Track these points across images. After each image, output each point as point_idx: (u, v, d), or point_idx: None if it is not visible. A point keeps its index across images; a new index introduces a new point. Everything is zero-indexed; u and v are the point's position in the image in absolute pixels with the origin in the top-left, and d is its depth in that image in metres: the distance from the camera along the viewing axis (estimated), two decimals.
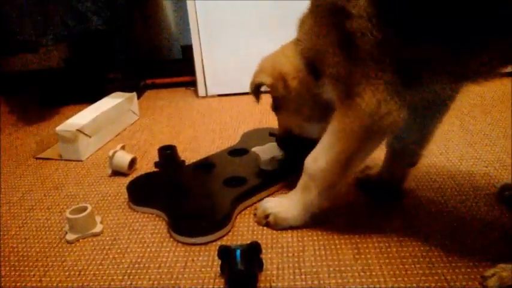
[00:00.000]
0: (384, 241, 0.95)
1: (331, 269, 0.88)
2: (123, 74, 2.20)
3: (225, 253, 0.84)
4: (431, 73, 0.84)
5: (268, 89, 1.13)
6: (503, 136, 1.40)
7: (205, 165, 1.27)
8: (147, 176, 1.25)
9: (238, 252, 0.83)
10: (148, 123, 1.82)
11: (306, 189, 0.99)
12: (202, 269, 0.91)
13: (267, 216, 1.03)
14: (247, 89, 2.21)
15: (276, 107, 1.16)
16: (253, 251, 0.85)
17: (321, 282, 0.85)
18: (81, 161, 1.48)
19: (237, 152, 1.34)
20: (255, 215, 1.06)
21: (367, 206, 1.09)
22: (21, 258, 1.00)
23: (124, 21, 2.07)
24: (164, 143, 1.57)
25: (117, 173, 1.35)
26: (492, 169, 1.21)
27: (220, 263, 0.88)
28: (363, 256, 0.91)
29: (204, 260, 0.93)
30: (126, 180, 1.29)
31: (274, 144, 1.25)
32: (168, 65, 2.47)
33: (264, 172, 1.20)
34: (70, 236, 1.04)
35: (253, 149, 1.29)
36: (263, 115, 1.80)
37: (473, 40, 0.77)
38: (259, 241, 0.96)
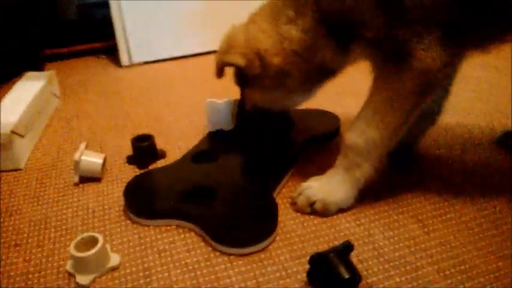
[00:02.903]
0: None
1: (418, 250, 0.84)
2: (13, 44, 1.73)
3: (321, 261, 0.73)
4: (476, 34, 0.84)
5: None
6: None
7: (205, 153, 1.08)
8: (145, 177, 1.01)
9: (337, 258, 0.72)
10: (79, 107, 1.48)
11: (353, 167, 0.91)
12: (281, 281, 0.78)
13: (312, 203, 0.93)
14: (180, 52, 2.01)
15: (244, 83, 1.04)
16: (348, 252, 0.75)
17: (412, 266, 0.80)
18: (21, 169, 1.14)
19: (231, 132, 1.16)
20: (294, 204, 0.95)
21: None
22: None
23: None
24: (114, 129, 1.32)
25: (84, 178, 1.07)
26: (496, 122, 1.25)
27: (307, 271, 0.76)
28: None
29: (274, 271, 0.80)
30: (103, 187, 1.04)
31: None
32: (63, 29, 2.03)
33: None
34: (83, 279, 0.79)
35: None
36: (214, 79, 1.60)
37: None
38: (316, 233, 0.87)
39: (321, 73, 0.97)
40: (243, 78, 1.02)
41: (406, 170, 1.06)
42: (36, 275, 0.82)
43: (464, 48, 0.85)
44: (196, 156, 1.07)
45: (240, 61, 0.96)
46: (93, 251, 0.78)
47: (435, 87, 0.85)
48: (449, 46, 0.81)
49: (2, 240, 0.91)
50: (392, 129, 0.87)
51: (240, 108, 1.11)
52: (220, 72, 1.04)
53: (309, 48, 0.91)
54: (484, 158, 1.10)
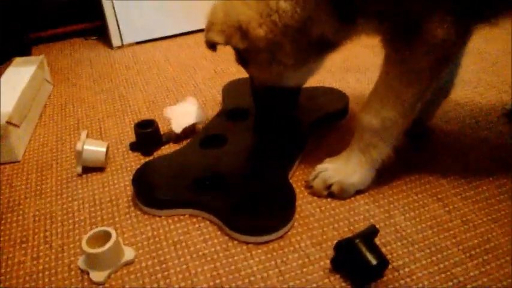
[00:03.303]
0: None
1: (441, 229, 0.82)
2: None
3: (347, 248, 0.70)
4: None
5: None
6: None
7: (213, 137, 1.03)
8: (153, 165, 0.96)
9: (363, 244, 0.70)
10: (73, 92, 1.41)
11: (369, 147, 0.88)
12: (304, 269, 0.75)
13: (328, 186, 0.90)
14: (172, 31, 1.92)
15: (242, 61, 0.99)
16: (373, 237, 0.72)
17: (437, 247, 0.78)
18: (19, 161, 1.09)
19: (235, 114, 1.12)
20: (310, 187, 0.92)
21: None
22: None
23: None
24: (112, 115, 1.27)
25: (87, 168, 1.02)
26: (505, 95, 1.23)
27: (332, 258, 0.74)
28: None
29: (296, 258, 0.77)
30: (108, 177, 1.00)
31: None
32: (47, 10, 1.92)
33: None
34: (98, 276, 0.75)
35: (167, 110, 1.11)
36: (214, 56, 1.55)
37: None
38: (335, 217, 0.85)
39: (319, 46, 0.91)
40: (239, 56, 0.98)
41: (420, 146, 1.03)
42: (47, 273, 0.78)
43: (475, 21, 0.81)
44: (204, 140, 1.02)
45: (218, 38, 0.92)
46: (106, 246, 0.75)
47: (449, 61, 0.82)
48: (461, 18, 0.77)
49: (6, 238, 0.87)
50: (408, 106, 0.84)
51: (251, 88, 1.06)
52: (212, 49, 0.98)
53: (303, 21, 0.85)
54: (496, 133, 1.07)
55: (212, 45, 0.96)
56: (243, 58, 0.98)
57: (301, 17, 0.85)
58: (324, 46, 0.91)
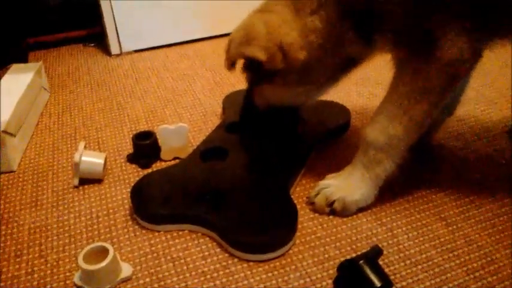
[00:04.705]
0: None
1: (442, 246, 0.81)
2: None
3: (351, 268, 0.69)
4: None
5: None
6: None
7: (214, 150, 1.02)
8: (152, 178, 0.94)
9: (367, 265, 0.68)
10: (70, 100, 1.39)
11: (374, 164, 0.87)
12: None
13: (330, 203, 0.89)
14: (172, 40, 1.89)
15: (261, 81, 0.96)
16: (377, 257, 0.71)
17: (441, 268, 0.77)
18: (14, 171, 1.06)
19: (236, 127, 1.10)
20: (312, 204, 0.91)
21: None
22: None
23: None
24: (110, 125, 1.26)
25: (84, 180, 1.00)
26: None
27: (335, 278, 0.72)
28: None
29: (298, 278, 0.76)
30: (106, 189, 0.98)
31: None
32: (45, 15, 1.90)
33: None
34: None
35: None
36: (213, 67, 1.53)
37: None
38: (337, 235, 0.83)
39: (344, 65, 0.91)
40: (260, 73, 0.93)
41: (421, 163, 1.03)
42: None
43: (491, 39, 0.81)
44: (205, 153, 1.01)
45: (261, 55, 0.87)
46: (104, 263, 0.73)
47: (460, 78, 0.82)
48: (477, 36, 0.77)
49: (0, 251, 0.84)
50: (416, 124, 0.83)
51: (247, 104, 1.04)
52: (233, 64, 0.94)
53: (333, 40, 0.85)
54: (498, 150, 1.07)
55: (235, 61, 0.93)
56: (265, 78, 0.93)
57: (332, 36, 0.84)
58: (348, 64, 0.91)
